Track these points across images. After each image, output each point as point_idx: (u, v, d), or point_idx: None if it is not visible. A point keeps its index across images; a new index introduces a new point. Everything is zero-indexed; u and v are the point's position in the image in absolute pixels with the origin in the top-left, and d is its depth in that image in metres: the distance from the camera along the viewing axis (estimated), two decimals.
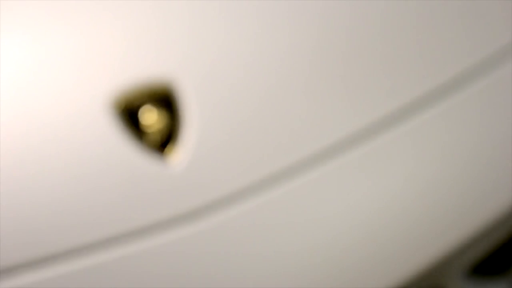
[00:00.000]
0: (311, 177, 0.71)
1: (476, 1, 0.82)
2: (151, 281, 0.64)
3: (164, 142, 0.66)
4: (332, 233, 0.70)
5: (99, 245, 0.63)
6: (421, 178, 0.75)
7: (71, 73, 0.65)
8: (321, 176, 0.71)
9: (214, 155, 0.68)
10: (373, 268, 0.69)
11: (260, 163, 0.69)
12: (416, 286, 0.71)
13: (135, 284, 0.63)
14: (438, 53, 0.80)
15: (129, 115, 0.66)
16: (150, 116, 0.66)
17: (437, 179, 0.75)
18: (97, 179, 0.63)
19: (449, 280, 0.79)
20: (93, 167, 0.63)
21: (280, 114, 0.71)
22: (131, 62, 0.68)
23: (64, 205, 0.62)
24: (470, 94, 0.80)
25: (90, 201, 0.62)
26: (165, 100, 0.67)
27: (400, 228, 0.72)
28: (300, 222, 0.69)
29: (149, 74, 0.68)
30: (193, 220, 0.66)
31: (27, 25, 0.67)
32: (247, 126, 0.70)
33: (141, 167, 0.65)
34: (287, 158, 0.70)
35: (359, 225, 0.71)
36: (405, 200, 0.73)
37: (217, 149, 0.68)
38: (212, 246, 0.66)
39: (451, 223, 0.74)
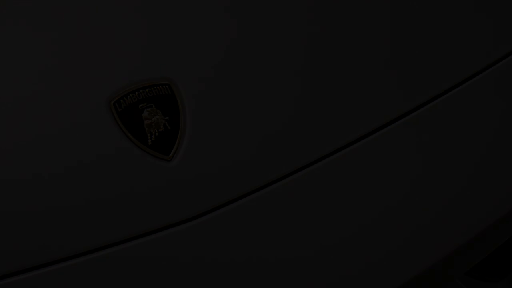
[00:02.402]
0: (312, 177, 0.71)
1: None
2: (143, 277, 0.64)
3: (164, 141, 0.67)
4: (333, 234, 0.70)
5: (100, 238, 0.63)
6: (424, 179, 0.75)
7: (74, 73, 0.66)
8: (321, 175, 0.72)
9: (214, 154, 0.68)
10: (374, 269, 0.70)
11: (260, 162, 0.70)
12: (416, 286, 0.72)
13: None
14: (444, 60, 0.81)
15: (129, 114, 0.66)
16: (150, 115, 0.66)
17: (439, 180, 0.75)
18: (97, 176, 0.64)
19: (449, 281, 0.79)
20: (93, 165, 0.64)
21: (281, 114, 0.72)
22: (133, 63, 0.68)
23: (63, 203, 0.63)
24: (472, 95, 0.81)
25: (90, 198, 0.63)
26: (166, 100, 0.68)
27: (401, 229, 0.72)
28: (302, 222, 0.70)
29: (150, 75, 0.68)
30: (195, 218, 0.66)
31: (31, 26, 0.67)
32: (246, 126, 0.70)
33: (141, 166, 0.65)
34: (289, 160, 0.71)
35: (360, 226, 0.71)
36: (407, 201, 0.73)
37: (216, 148, 0.68)
38: (212, 248, 0.66)
39: (452, 224, 0.74)
